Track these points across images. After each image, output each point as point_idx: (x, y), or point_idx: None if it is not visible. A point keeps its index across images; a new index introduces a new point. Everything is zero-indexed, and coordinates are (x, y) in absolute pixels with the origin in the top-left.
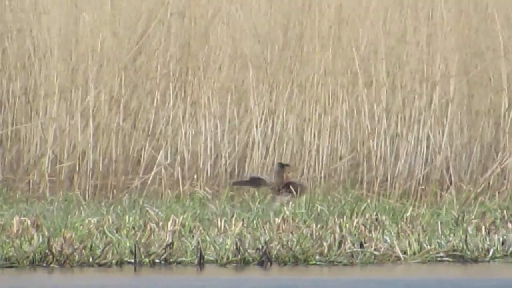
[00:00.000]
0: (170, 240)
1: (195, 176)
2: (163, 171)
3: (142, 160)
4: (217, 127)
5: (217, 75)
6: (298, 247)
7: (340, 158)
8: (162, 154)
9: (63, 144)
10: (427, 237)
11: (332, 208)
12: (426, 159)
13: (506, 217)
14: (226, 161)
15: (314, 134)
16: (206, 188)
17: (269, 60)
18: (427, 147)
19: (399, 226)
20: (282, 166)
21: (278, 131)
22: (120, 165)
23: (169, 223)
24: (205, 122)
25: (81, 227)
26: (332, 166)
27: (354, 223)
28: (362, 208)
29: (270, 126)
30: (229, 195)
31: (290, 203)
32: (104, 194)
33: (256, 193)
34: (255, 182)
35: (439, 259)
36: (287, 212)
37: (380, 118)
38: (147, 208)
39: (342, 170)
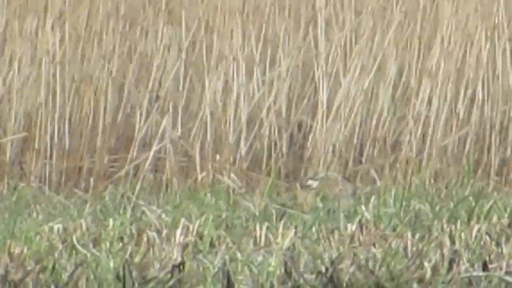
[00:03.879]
0: (180, 259)
1: (221, 157)
2: (169, 147)
3: (136, 131)
4: (255, 78)
5: None
6: (384, 269)
7: (458, 127)
8: (169, 121)
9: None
10: None
11: (438, 207)
12: None
13: None
14: (272, 134)
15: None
16: (236, 177)
17: None
18: None
19: None
20: None
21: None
22: (101, 138)
23: (178, 231)
24: (236, 69)
25: (38, 237)
26: (444, 140)
27: (474, 232)
28: (487, 207)
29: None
30: (275, 188)
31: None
32: (74, 185)
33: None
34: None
35: None
36: (367, 214)
37: None
38: (144, 208)
39: (457, 145)
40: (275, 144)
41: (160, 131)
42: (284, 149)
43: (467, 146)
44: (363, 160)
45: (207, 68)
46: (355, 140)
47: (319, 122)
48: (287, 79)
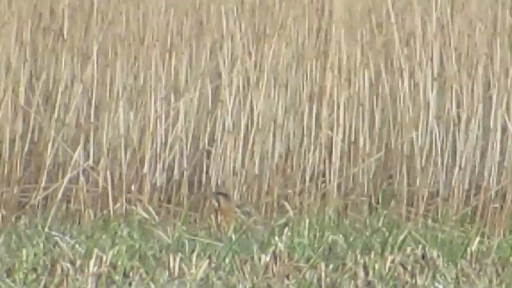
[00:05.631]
0: None
1: (134, 187)
2: (81, 178)
3: (46, 161)
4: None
5: None
6: None
7: (363, 159)
8: (81, 151)
9: None
10: (503, 285)
11: (352, 238)
12: (503, 160)
13: None
14: (184, 163)
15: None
16: (151, 207)
17: None
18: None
19: (459, 267)
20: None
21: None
22: (12, 168)
23: (91, 262)
24: (153, 99)
25: None
26: (350, 171)
27: (388, 263)
28: (401, 238)
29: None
30: (189, 218)
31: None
32: None
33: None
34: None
35: None
36: (281, 245)
37: (426, 94)
38: (57, 238)
39: (367, 177)
40: (183, 174)
41: (73, 161)
42: (194, 179)
43: (372, 176)
44: (270, 189)
45: (117, 98)
46: (264, 170)
47: (227, 151)
48: (192, 108)
